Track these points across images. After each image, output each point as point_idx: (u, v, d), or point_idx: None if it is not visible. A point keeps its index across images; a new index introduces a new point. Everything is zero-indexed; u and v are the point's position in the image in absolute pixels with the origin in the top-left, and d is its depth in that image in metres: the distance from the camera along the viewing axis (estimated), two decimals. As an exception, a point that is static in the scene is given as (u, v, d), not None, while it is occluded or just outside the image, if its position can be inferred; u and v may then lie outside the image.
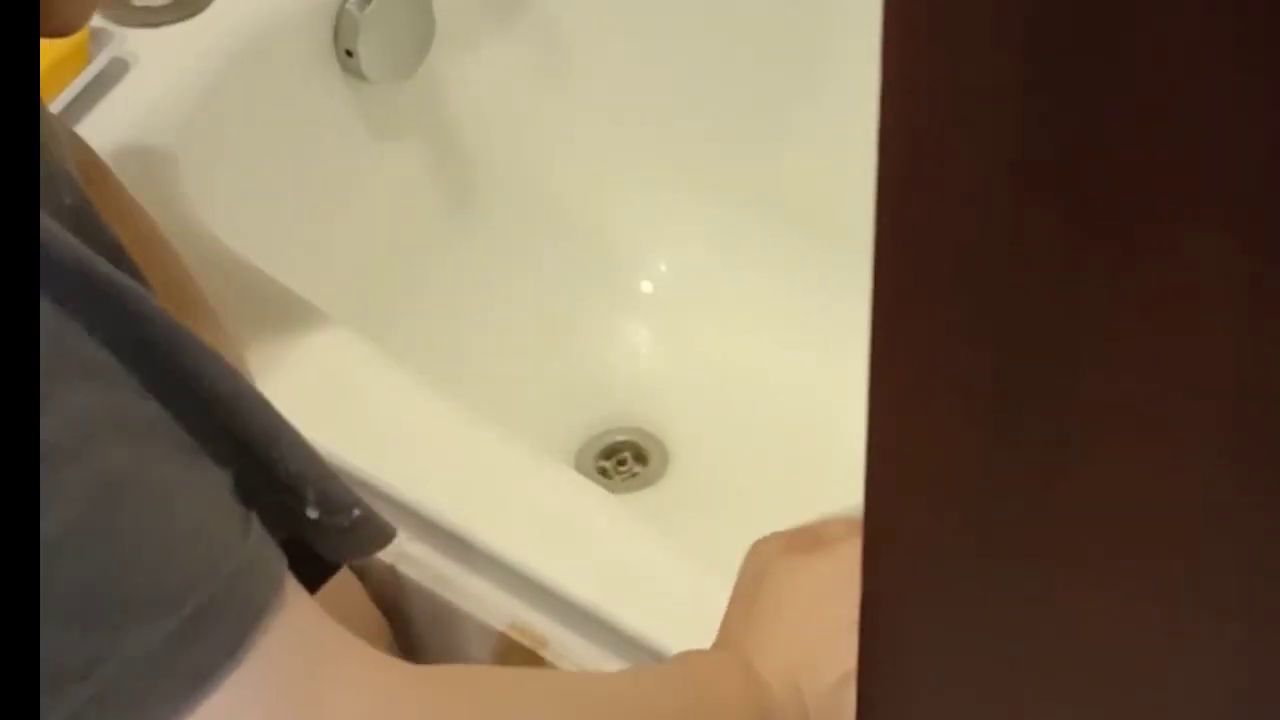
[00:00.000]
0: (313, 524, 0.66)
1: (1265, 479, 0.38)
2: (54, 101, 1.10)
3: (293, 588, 0.62)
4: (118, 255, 0.67)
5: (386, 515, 0.93)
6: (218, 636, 0.58)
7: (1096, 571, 0.41)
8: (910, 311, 0.39)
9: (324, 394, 1.01)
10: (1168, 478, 0.39)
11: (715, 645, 0.81)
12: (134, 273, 0.67)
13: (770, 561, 0.82)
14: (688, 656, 0.80)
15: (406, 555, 0.96)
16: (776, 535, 0.84)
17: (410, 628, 0.98)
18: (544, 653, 0.93)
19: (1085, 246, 0.36)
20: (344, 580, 0.88)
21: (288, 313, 1.05)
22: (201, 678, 0.58)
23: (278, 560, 0.62)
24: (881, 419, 0.41)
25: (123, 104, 1.14)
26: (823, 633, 0.78)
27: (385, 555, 0.95)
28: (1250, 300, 0.35)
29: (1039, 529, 0.41)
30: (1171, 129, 0.34)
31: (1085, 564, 0.41)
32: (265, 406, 0.66)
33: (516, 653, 0.93)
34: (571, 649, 0.92)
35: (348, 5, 1.25)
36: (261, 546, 0.62)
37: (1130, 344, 0.37)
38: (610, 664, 0.92)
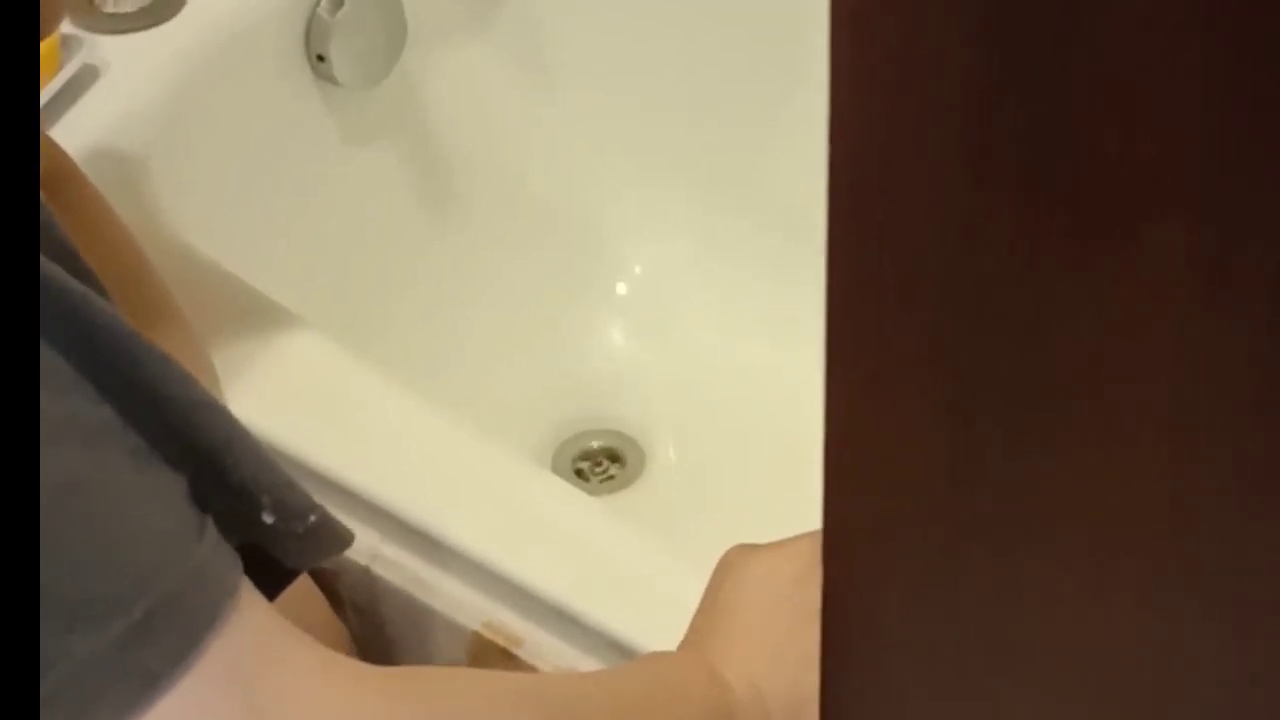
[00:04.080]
0: (268, 529, 0.66)
1: (1220, 463, 0.38)
2: (25, 108, 1.10)
3: (248, 591, 0.62)
4: (73, 262, 0.67)
5: (361, 517, 0.94)
6: (169, 639, 0.58)
7: (1064, 556, 0.41)
8: (867, 304, 0.39)
9: (298, 397, 1.01)
10: (1129, 463, 0.39)
11: (681, 646, 0.81)
12: (90, 279, 0.67)
13: (732, 560, 0.82)
14: (652, 657, 0.80)
15: (381, 556, 0.96)
16: (743, 545, 0.84)
17: (385, 628, 0.98)
18: (518, 652, 0.93)
19: (1044, 238, 0.36)
20: (305, 589, 0.88)
21: (261, 317, 1.05)
22: (152, 679, 0.58)
23: (232, 564, 0.62)
24: (840, 413, 0.41)
25: (94, 110, 1.13)
26: (783, 632, 0.78)
27: (360, 556, 0.96)
28: (1209, 290, 0.36)
29: (1003, 517, 0.41)
30: (1132, 121, 0.34)
31: (1053, 550, 0.41)
32: (219, 413, 0.66)
33: (491, 652, 0.93)
34: (546, 649, 0.92)
35: (319, 10, 1.25)
36: (216, 550, 0.62)
37: (1090, 332, 0.37)
38: (584, 664, 0.92)
